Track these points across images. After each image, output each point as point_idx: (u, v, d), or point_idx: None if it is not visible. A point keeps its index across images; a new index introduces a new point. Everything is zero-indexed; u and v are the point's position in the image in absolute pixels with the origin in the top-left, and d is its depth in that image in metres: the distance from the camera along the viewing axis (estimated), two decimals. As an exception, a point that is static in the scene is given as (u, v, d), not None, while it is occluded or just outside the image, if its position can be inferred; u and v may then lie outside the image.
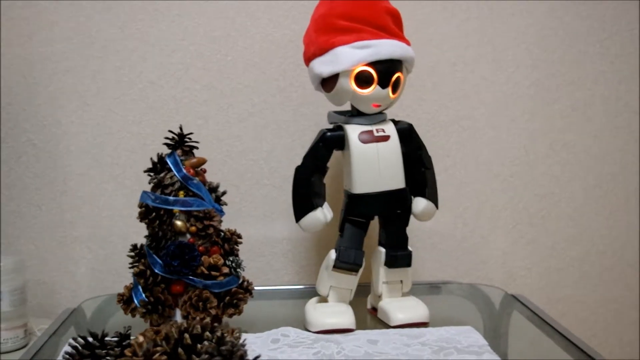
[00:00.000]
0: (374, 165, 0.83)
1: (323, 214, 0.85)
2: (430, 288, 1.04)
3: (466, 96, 1.09)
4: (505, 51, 1.09)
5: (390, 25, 0.83)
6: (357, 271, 0.84)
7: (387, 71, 0.82)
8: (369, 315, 0.90)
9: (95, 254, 1.07)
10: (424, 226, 1.08)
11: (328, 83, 0.84)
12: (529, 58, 1.09)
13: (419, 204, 0.87)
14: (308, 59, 0.86)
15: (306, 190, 0.85)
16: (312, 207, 0.85)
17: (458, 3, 1.07)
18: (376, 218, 0.87)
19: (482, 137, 1.10)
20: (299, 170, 0.85)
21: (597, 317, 1.14)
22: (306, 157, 0.85)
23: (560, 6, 1.09)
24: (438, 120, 1.09)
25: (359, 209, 0.84)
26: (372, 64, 0.81)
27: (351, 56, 0.81)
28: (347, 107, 0.88)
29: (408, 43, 0.85)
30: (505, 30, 1.08)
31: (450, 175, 1.10)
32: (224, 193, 0.85)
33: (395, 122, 0.86)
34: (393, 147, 0.84)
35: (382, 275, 0.86)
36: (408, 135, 0.86)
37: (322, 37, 0.83)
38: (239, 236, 0.85)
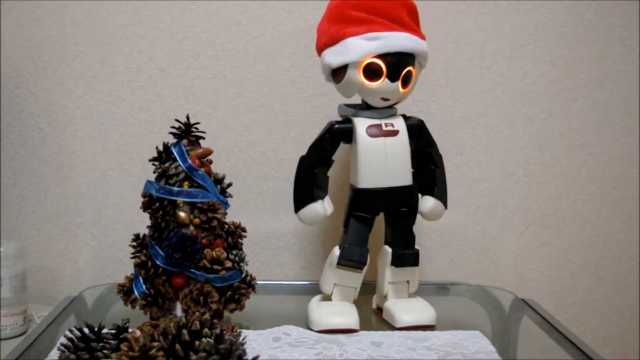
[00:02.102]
0: (380, 160, 0.81)
1: (323, 207, 0.84)
2: (438, 289, 1.03)
3: (482, 93, 1.07)
4: (522, 47, 1.06)
5: (404, 17, 0.81)
6: (361, 269, 0.83)
7: (396, 64, 0.80)
8: (374, 316, 0.88)
9: (99, 241, 1.06)
10: (434, 225, 1.06)
11: (338, 74, 0.82)
12: (547, 55, 1.06)
13: (427, 202, 0.85)
14: (319, 49, 0.84)
15: (308, 181, 0.83)
16: (313, 199, 0.83)
17: (476, -3, 1.05)
18: (382, 216, 0.85)
19: (496, 135, 1.07)
20: (303, 161, 0.84)
21: (611, 324, 1.12)
22: (312, 148, 0.84)
23: (581, 2, 1.06)
24: (452, 117, 1.07)
25: (363, 205, 0.82)
26: (381, 57, 0.79)
27: (361, 47, 0.79)
28: (357, 100, 0.86)
29: (422, 37, 0.83)
30: (524, 26, 1.06)
31: (462, 173, 1.07)
32: (229, 185, 0.83)
33: (405, 118, 0.84)
34: (401, 143, 0.82)
35: (388, 275, 0.84)
36: (418, 132, 0.84)
37: (334, 27, 0.82)
38: (243, 229, 0.84)
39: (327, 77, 0.85)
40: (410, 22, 0.82)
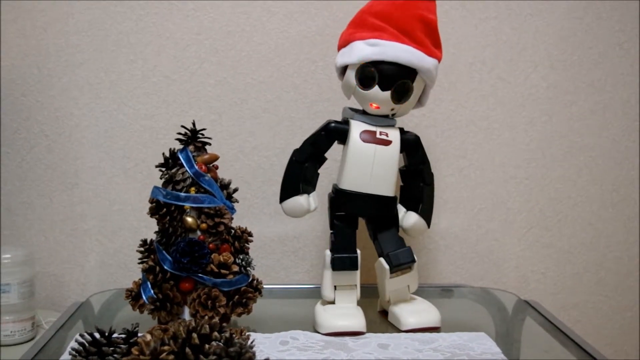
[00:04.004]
0: (367, 165, 0.82)
1: (307, 202, 0.85)
2: (442, 291, 1.03)
3: (483, 96, 1.08)
4: (523, 51, 1.07)
5: (416, 32, 0.81)
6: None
7: (389, 74, 0.81)
8: (380, 318, 0.89)
9: (105, 247, 1.07)
10: (438, 227, 1.07)
11: (342, 74, 0.85)
12: (547, 59, 1.07)
13: (410, 218, 0.86)
14: (337, 48, 0.86)
15: (297, 174, 0.84)
16: (298, 192, 0.84)
17: (476, 2, 1.05)
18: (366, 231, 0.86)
19: (498, 138, 1.08)
20: (295, 153, 0.85)
21: (612, 325, 1.13)
22: (305, 142, 0.85)
23: (580, 7, 1.07)
24: (454, 121, 1.08)
25: (342, 205, 0.83)
26: (376, 63, 0.80)
27: (360, 51, 0.81)
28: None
29: (433, 55, 0.83)
30: (524, 30, 1.07)
31: (464, 176, 1.08)
32: (235, 190, 0.84)
33: (403, 132, 0.85)
34: (391, 154, 0.82)
35: (388, 285, 0.85)
36: (413, 147, 0.85)
37: (350, 30, 0.84)
38: (250, 234, 0.85)
39: (338, 76, 0.87)
40: (422, 37, 0.82)
